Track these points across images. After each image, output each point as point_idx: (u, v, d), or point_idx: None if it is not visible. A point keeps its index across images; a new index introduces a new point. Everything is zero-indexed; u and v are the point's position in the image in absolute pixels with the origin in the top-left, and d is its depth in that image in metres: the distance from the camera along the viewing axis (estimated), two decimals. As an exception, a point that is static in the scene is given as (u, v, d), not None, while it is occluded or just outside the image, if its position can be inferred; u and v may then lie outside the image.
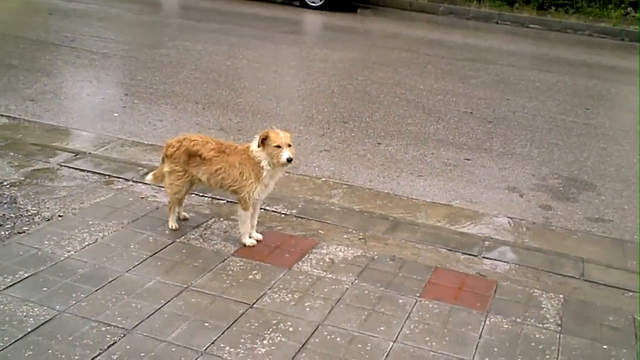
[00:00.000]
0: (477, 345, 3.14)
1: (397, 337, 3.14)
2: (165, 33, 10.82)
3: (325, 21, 13.67)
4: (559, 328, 3.34)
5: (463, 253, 4.08)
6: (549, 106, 7.97)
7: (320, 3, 14.91)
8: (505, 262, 4.02)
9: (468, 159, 5.95)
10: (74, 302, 3.17)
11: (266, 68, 8.88)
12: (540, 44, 12.78)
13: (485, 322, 3.34)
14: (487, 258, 4.05)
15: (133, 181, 4.67)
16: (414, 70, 9.35)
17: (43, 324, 3.00)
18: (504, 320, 3.36)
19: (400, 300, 3.46)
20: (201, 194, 4.49)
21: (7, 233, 3.79)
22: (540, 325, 3.35)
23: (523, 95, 8.42)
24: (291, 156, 3.61)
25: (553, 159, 6.15)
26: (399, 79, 8.75)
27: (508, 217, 4.74)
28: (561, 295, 3.65)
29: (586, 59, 11.35)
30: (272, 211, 4.40)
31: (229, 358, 2.88)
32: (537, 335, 3.26)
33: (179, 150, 3.84)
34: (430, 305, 3.44)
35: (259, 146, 3.66)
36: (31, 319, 3.02)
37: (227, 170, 3.75)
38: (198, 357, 2.87)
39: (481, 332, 3.24)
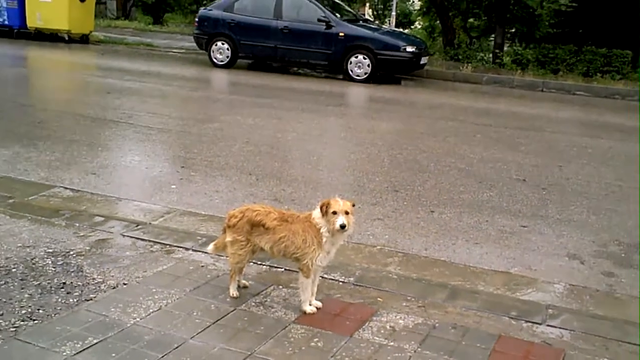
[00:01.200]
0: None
1: (465, 407, 3.07)
2: (217, 108, 11.18)
3: (370, 93, 13.91)
4: (633, 399, 3.24)
5: (526, 321, 3.99)
6: (603, 172, 7.90)
7: (365, 76, 15.22)
8: (571, 330, 3.91)
9: (524, 226, 5.90)
10: (140, 369, 3.21)
11: (316, 140, 9.04)
12: (588, 110, 12.77)
13: (555, 392, 3.25)
14: (551, 326, 3.95)
15: (193, 250, 4.75)
16: (462, 139, 9.40)
17: (113, 391, 3.04)
18: (575, 391, 3.28)
19: (466, 369, 3.40)
20: (259, 262, 4.53)
21: (75, 300, 3.87)
22: (614, 395, 3.26)
23: (575, 162, 8.37)
24: (344, 222, 3.65)
25: (612, 226, 6.05)
26: (448, 148, 8.80)
27: (570, 285, 4.64)
28: (634, 365, 3.55)
29: (637, 125, 11.23)
30: (330, 279, 4.40)
31: None
32: (611, 408, 3.16)
33: (241, 221, 3.90)
34: (498, 375, 3.37)
35: (321, 213, 3.72)
36: (101, 385, 3.06)
37: (291, 238, 3.79)
38: None
39: (552, 402, 3.16)
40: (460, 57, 18.94)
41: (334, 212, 3.66)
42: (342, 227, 3.65)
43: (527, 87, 15.68)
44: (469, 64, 17.87)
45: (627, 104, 13.99)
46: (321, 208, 3.72)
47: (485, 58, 19.02)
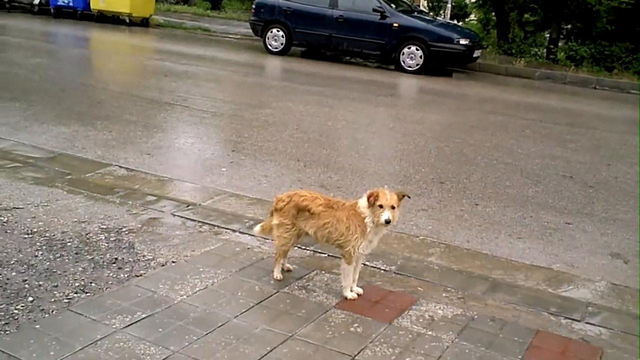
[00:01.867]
0: (582, 411, 3.09)
1: (499, 398, 3.14)
2: (270, 94, 11.35)
3: (421, 85, 13.88)
4: (669, 399, 3.25)
5: (565, 317, 4.01)
6: (652, 173, 7.79)
7: (417, 67, 15.18)
8: (610, 328, 3.92)
9: (569, 223, 5.88)
10: (187, 344, 3.34)
11: (365, 129, 9.11)
12: (643, 109, 12.51)
13: (590, 388, 3.29)
14: (590, 324, 3.96)
15: (240, 232, 4.89)
16: (511, 134, 9.34)
17: (159, 362, 3.19)
18: (610, 388, 3.30)
19: (502, 361, 3.46)
20: (303, 247, 4.65)
21: (125, 276, 4.05)
22: (649, 395, 3.27)
23: (625, 161, 8.25)
24: (389, 218, 3.72)
25: (658, 227, 5.99)
26: (496, 142, 8.76)
27: (612, 284, 4.63)
28: (671, 366, 3.55)
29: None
30: (372, 267, 4.49)
31: (332, 407, 2.97)
32: (646, 407, 3.19)
33: (288, 205, 4.02)
34: (533, 368, 3.42)
35: (367, 203, 3.81)
36: (148, 357, 3.20)
37: (335, 225, 3.89)
38: (304, 404, 2.96)
39: (586, 398, 3.20)
40: (513, 51, 18.69)
41: (381, 206, 3.73)
42: (387, 222, 3.73)
43: (580, 83, 15.40)
44: (522, 59, 17.63)
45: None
46: (368, 198, 3.79)
47: (539, 53, 18.73)
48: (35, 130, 7.48)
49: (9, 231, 4.55)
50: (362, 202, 3.84)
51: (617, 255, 5.26)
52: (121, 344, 3.30)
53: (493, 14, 22.89)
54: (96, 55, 15.51)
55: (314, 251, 4.65)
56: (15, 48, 13.87)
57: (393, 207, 3.75)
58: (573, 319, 4.00)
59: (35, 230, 4.60)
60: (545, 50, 18.89)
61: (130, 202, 5.33)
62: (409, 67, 15.32)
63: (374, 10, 15.66)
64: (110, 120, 8.26)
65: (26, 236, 4.49)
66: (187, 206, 5.36)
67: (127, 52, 16.06)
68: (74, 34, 17.42)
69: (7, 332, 3.32)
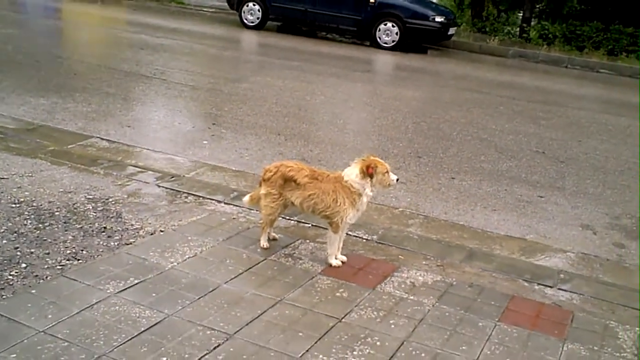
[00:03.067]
0: (556, 369, 3.29)
1: (478, 357, 3.30)
2: (248, 68, 11.40)
3: (397, 61, 14.01)
4: (636, 357, 3.45)
5: (538, 284, 4.22)
6: (621, 149, 8.04)
7: (393, 44, 15.29)
8: (580, 294, 4.13)
9: (541, 196, 6.10)
10: (180, 308, 3.47)
11: (343, 104, 9.24)
12: (611, 88, 12.80)
13: (563, 348, 3.47)
14: (562, 290, 4.17)
15: (225, 203, 5.00)
16: (485, 110, 9.54)
17: (154, 324, 3.30)
18: (581, 347, 3.49)
19: (480, 324, 3.63)
20: (288, 218, 4.78)
21: (115, 244, 4.15)
22: (617, 354, 3.46)
23: (595, 138, 8.50)
24: (398, 177, 4.14)
25: (626, 200, 6.23)
26: (471, 118, 8.95)
27: (582, 253, 4.86)
28: (637, 328, 3.74)
29: (659, 104, 11.28)
30: (354, 236, 4.64)
31: (323, 365, 3.12)
32: (614, 364, 3.39)
33: (275, 175, 4.13)
34: (509, 330, 3.59)
35: (363, 174, 3.98)
36: (144, 320, 3.32)
37: (320, 196, 4.02)
38: (295, 363, 3.12)
39: (559, 356, 3.38)
40: (487, 29, 18.88)
41: (386, 172, 4.01)
42: (398, 180, 4.13)
43: (552, 62, 15.67)
44: (496, 37, 17.83)
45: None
46: (368, 169, 3.96)
47: (512, 32, 18.95)
48: (13, 102, 7.45)
49: (-4, 200, 4.61)
50: (350, 174, 3.99)
51: (587, 227, 5.49)
52: (117, 307, 3.41)
53: (467, -8, 23.06)
54: (69, 26, 15.30)
55: (297, 221, 4.79)
56: (-16, 19, 13.65)
57: None
58: (546, 285, 4.21)
59: (22, 199, 4.66)
60: (518, 29, 19.12)
61: (115, 174, 5.40)
62: (385, 43, 15.42)
63: (351, -15, 15.70)
64: (88, 93, 8.25)
65: (13, 205, 4.55)
66: (171, 177, 5.45)
67: (101, 24, 15.87)
68: (44, 4, 17.11)
69: (3, 297, 3.41)
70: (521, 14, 20.19)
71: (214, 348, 3.15)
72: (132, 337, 3.17)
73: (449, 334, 3.50)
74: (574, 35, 17.58)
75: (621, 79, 14.45)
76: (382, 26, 15.45)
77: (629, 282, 4.40)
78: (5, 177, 5.06)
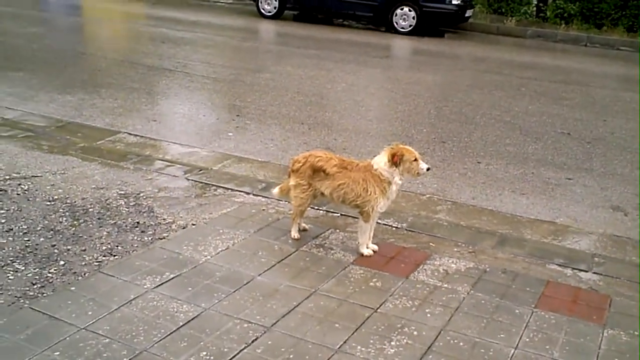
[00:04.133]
0: (597, 356, 3.26)
1: (517, 345, 3.30)
2: (268, 58, 11.42)
3: (415, 46, 13.93)
4: (676, 341, 3.44)
5: (573, 268, 4.20)
6: (648, 127, 7.96)
7: (410, 29, 15.19)
8: (616, 277, 4.11)
9: (569, 179, 6.06)
10: (216, 301, 3.50)
11: (364, 91, 9.22)
12: (632, 66, 12.64)
13: (603, 334, 3.45)
14: (597, 273, 4.15)
15: (253, 194, 5.03)
16: (507, 92, 9.47)
17: (192, 319, 3.33)
18: (621, 333, 3.47)
19: (517, 311, 3.63)
20: (317, 208, 4.79)
21: (149, 238, 4.20)
22: (658, 338, 3.45)
23: (620, 117, 8.42)
24: (429, 166, 4.10)
25: (656, 179, 6.18)
26: (494, 100, 8.89)
27: (614, 235, 4.82)
28: (676, 311, 3.73)
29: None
30: (384, 224, 4.65)
31: (362, 356, 3.13)
32: (655, 348, 3.37)
33: (304, 166, 4.15)
34: (547, 316, 3.59)
35: (391, 162, 3.97)
36: (181, 315, 3.36)
37: (350, 186, 4.03)
38: (333, 355, 3.12)
39: (600, 343, 3.36)
40: (504, 10, 18.67)
41: (415, 160, 3.98)
42: (429, 169, 4.08)
43: (571, 41, 15.49)
44: (513, 18, 17.64)
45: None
46: (393, 157, 3.95)
47: (528, 12, 18.73)
48: (42, 100, 7.54)
49: (30, 199, 4.67)
50: (379, 162, 3.98)
51: (618, 208, 5.45)
52: (154, 302, 3.46)
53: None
54: (91, 23, 15.38)
55: (327, 211, 4.80)
56: (9, 18, 13.74)
57: None
58: (580, 270, 4.19)
59: (56, 197, 4.72)
60: (534, 8, 18.90)
61: (144, 168, 5.45)
62: (402, 28, 15.32)
63: (366, -28, 15.60)
64: (114, 88, 8.32)
65: (48, 203, 4.61)
66: (200, 170, 5.48)
67: (122, 19, 15.94)
68: (65, 3, 17.21)
69: (44, 295, 3.46)
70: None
71: (252, 341, 3.18)
72: (171, 332, 3.21)
73: (486, 321, 3.50)
74: (591, 12, 17.32)
75: (642, 55, 14.27)
76: (398, 11, 15.34)
77: (662, 263, 4.37)
78: (39, 174, 5.13)
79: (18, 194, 4.73)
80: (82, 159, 5.54)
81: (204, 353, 3.06)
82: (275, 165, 5.77)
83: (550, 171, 6.22)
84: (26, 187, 4.87)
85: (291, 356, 3.09)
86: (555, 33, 16.20)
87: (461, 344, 3.28)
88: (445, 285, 3.87)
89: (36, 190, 4.83)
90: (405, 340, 3.27)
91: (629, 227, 5.07)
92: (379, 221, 4.58)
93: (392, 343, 3.25)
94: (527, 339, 3.35)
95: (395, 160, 3.95)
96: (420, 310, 3.57)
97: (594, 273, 4.16)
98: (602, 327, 3.52)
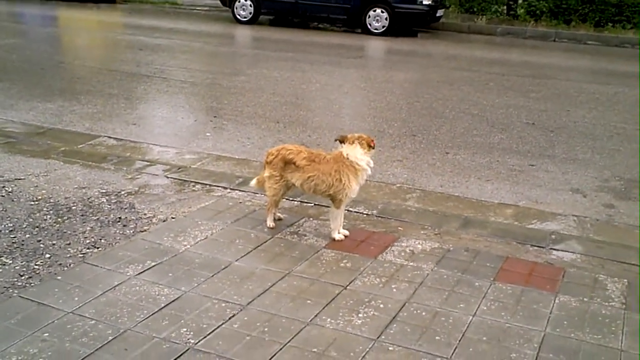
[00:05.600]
0: (548, 319, 3.52)
1: (475, 312, 3.56)
2: (244, 62, 11.66)
3: (388, 46, 14.23)
4: (624, 306, 3.68)
5: (532, 245, 4.46)
6: (609, 116, 8.27)
7: (383, 30, 15.50)
8: (571, 252, 4.38)
9: (532, 165, 6.35)
10: (196, 285, 3.73)
11: (338, 90, 9.49)
12: (598, 59, 13.01)
13: (555, 301, 3.71)
14: (554, 249, 4.42)
15: (230, 189, 5.26)
16: (476, 87, 9.77)
17: (173, 300, 3.56)
18: (572, 299, 3.73)
19: (477, 283, 3.88)
20: (291, 199, 5.03)
21: (131, 232, 4.41)
22: (606, 303, 3.70)
23: (583, 107, 8.74)
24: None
25: (614, 164, 6.48)
26: (463, 95, 9.19)
27: (573, 215, 5.10)
28: (625, 280, 3.98)
29: (644, 71, 11.51)
30: (355, 212, 4.89)
31: (331, 327, 3.36)
32: (603, 312, 3.61)
33: (276, 158, 4.38)
34: (504, 287, 3.85)
35: (364, 149, 4.30)
36: (163, 297, 3.59)
37: (321, 177, 4.27)
38: (305, 327, 3.36)
39: (552, 308, 3.63)
40: (475, 9, 19.05)
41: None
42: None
43: (540, 37, 15.88)
44: (484, 16, 18.02)
45: (636, 52, 14.16)
46: (371, 143, 4.31)
47: (499, 10, 19.11)
48: (22, 108, 7.72)
49: (15, 200, 4.87)
50: (353, 152, 4.27)
51: (577, 191, 5.74)
52: (137, 287, 3.68)
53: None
54: (68, 33, 15.54)
55: (301, 201, 5.04)
56: (-14, 30, 13.90)
57: None
58: (539, 247, 4.46)
59: (40, 197, 4.93)
60: (505, 7, 19.29)
61: (125, 168, 5.66)
62: (375, 29, 15.63)
63: (338, -25, 15.90)
64: (92, 95, 8.51)
65: (33, 203, 4.82)
66: (179, 169, 5.70)
67: (98, 28, 16.12)
68: (41, 14, 17.37)
69: (32, 285, 3.67)
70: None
71: (229, 318, 3.41)
72: (154, 313, 3.43)
73: (447, 294, 3.75)
74: (560, 9, 17.73)
75: (608, 49, 14.65)
76: (371, 12, 15.66)
77: (618, 240, 4.64)
78: (22, 177, 5.33)
79: (2, 196, 4.93)
80: (63, 162, 5.74)
81: (185, 329, 3.29)
82: (252, 162, 5.99)
83: (514, 159, 6.51)
84: (10, 189, 5.07)
85: (266, 329, 3.33)
86: (525, 30, 16.57)
87: (423, 313, 3.53)
88: (411, 264, 4.12)
89: (20, 191, 5.03)
90: (372, 312, 3.52)
91: (587, 208, 5.36)
92: (351, 209, 4.83)
93: (360, 315, 3.49)
94: (485, 308, 3.61)
95: (373, 145, 4.30)
96: (387, 286, 3.82)
97: (551, 249, 4.42)
98: (554, 295, 3.79)
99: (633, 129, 7.68)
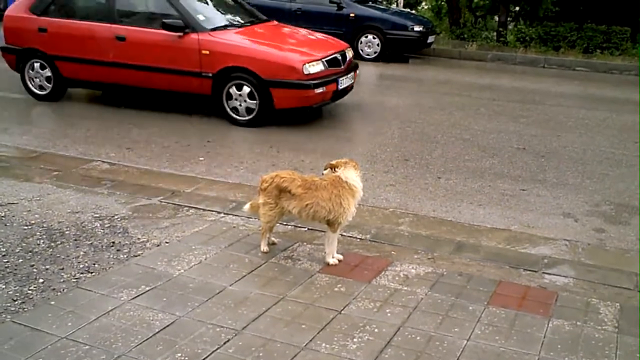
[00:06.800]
0: (542, 343, 3.53)
1: (469, 337, 3.57)
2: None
3: (380, 71, 14.33)
4: (616, 329, 3.71)
5: (524, 269, 4.49)
6: (599, 141, 8.34)
7: (375, 55, 15.64)
8: (564, 276, 4.40)
9: (524, 190, 6.40)
10: (190, 309, 3.73)
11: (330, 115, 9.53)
12: (587, 84, 13.12)
13: (548, 325, 3.74)
14: (547, 273, 4.44)
15: (224, 213, 5.27)
16: (467, 112, 9.85)
17: (167, 325, 3.56)
18: (565, 323, 3.75)
19: (470, 307, 3.90)
20: (285, 223, 5.03)
21: (125, 256, 4.42)
22: (599, 327, 3.72)
23: (573, 132, 8.82)
24: None
25: (605, 188, 6.53)
26: (454, 120, 9.26)
27: (565, 240, 5.13)
28: (617, 303, 4.01)
29: (632, 97, 11.58)
30: (349, 236, 4.91)
31: (326, 352, 3.37)
32: (596, 335, 3.64)
33: (271, 186, 4.39)
34: (498, 311, 3.87)
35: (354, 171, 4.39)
36: (157, 322, 3.59)
37: (320, 204, 4.27)
38: (300, 351, 3.37)
39: (545, 332, 3.65)
40: (465, 35, 19.24)
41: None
42: None
43: (530, 63, 16.03)
44: (474, 42, 18.20)
45: (624, 78, 14.30)
46: (354, 167, 4.39)
47: (489, 36, 19.30)
48: (15, 132, 7.76)
49: (8, 224, 4.87)
50: (350, 175, 4.34)
51: (568, 215, 5.78)
52: (131, 312, 3.68)
53: (444, 1, 23.44)
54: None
55: (294, 226, 5.06)
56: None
57: None
58: (531, 271, 4.48)
59: (33, 222, 4.93)
60: (495, 33, 19.50)
61: (118, 193, 5.67)
62: (367, 55, 15.74)
63: (331, 1, 16.00)
64: (87, 119, 8.55)
65: (25, 227, 4.82)
66: (172, 193, 5.71)
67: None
68: None
69: (25, 310, 3.67)
70: (498, 19, 20.58)
71: (224, 343, 3.42)
72: (148, 338, 3.44)
73: (441, 318, 3.77)
74: (549, 36, 17.93)
75: (596, 75, 14.80)
76: (363, 39, 15.78)
77: (609, 264, 4.67)
78: (15, 202, 5.33)
79: (-5, 221, 4.93)
80: (57, 186, 5.74)
81: (179, 355, 3.29)
82: (246, 186, 6.01)
83: (506, 183, 6.55)
84: (3, 213, 5.07)
85: (261, 354, 3.33)
86: (515, 56, 16.73)
87: (418, 338, 3.55)
88: (405, 288, 4.14)
89: (13, 216, 5.03)
90: (366, 337, 3.53)
91: (578, 232, 5.40)
92: (344, 233, 4.85)
93: (355, 340, 3.50)
94: (479, 332, 3.63)
95: (357, 167, 4.42)
96: (381, 310, 3.84)
97: (544, 273, 4.45)
98: (547, 319, 3.81)
99: (622, 154, 7.75)
